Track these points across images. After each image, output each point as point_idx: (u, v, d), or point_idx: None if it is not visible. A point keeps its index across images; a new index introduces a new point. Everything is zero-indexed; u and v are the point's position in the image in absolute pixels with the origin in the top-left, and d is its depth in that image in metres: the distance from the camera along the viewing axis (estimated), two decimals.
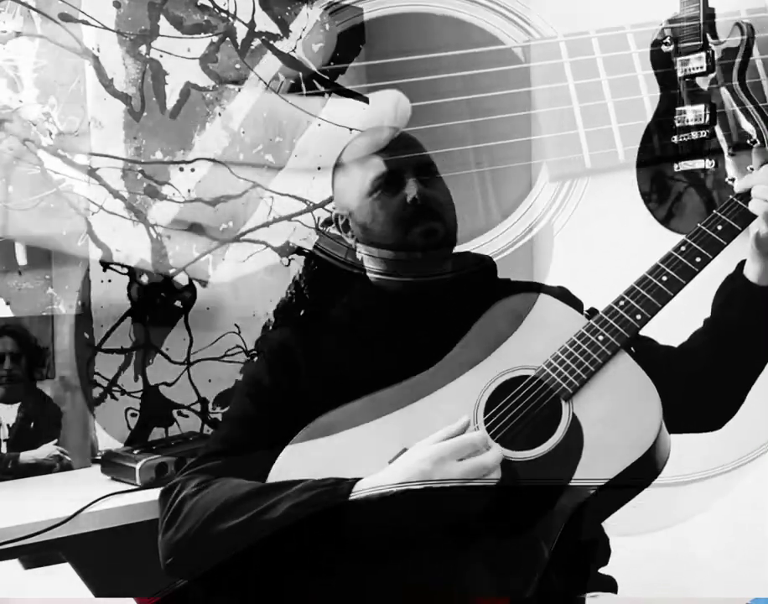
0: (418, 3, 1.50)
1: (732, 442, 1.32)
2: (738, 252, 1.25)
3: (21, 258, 1.83)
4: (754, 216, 1.21)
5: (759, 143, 1.49)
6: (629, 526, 1.26)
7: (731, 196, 1.24)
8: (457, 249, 1.40)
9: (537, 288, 1.38)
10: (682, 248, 1.22)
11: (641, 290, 1.21)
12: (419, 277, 1.36)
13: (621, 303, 1.22)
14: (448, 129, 1.46)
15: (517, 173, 1.73)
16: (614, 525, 1.25)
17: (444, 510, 1.09)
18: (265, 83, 2.07)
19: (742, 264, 1.27)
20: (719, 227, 1.22)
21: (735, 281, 1.27)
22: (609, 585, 1.30)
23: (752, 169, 1.33)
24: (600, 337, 1.20)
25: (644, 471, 1.11)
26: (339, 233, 1.43)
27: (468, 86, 1.47)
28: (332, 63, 2.13)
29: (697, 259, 1.21)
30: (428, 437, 1.13)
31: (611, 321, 1.20)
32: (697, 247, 1.21)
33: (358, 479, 1.12)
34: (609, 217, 1.70)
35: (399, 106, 1.68)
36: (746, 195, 1.22)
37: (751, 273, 1.25)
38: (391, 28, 1.60)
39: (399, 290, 1.37)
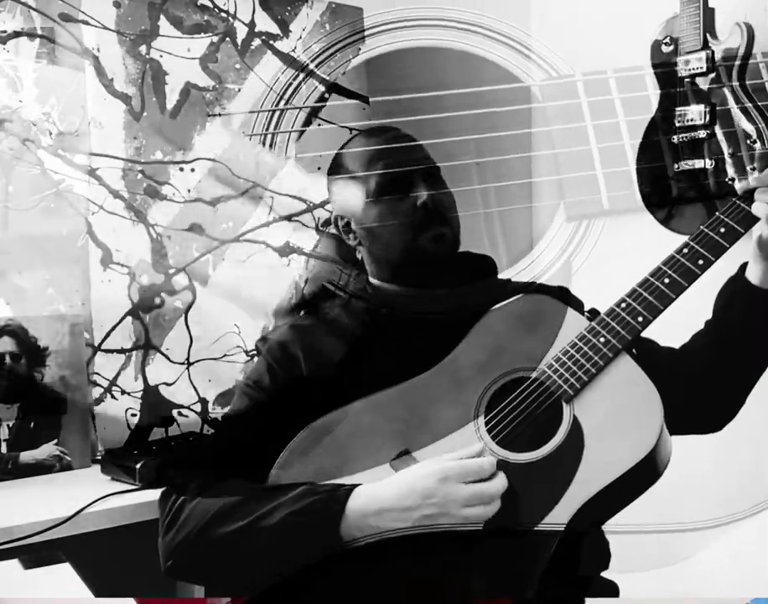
0: (426, 38, 1.49)
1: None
2: (740, 253, 1.25)
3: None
4: (757, 219, 1.20)
5: (759, 142, 1.49)
6: (629, 565, 1.27)
7: (734, 199, 1.24)
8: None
9: (538, 288, 1.38)
10: (685, 250, 1.22)
11: (643, 292, 1.21)
12: (422, 286, 1.35)
13: (623, 305, 1.21)
14: (455, 168, 1.45)
15: (523, 216, 1.72)
16: (614, 564, 1.26)
17: (442, 526, 1.09)
18: (265, 83, 2.07)
19: (744, 266, 1.27)
20: (722, 230, 1.21)
21: (737, 283, 1.27)
22: (610, 588, 1.30)
23: (753, 169, 1.33)
24: (602, 339, 1.19)
25: (645, 473, 1.11)
26: (338, 234, 1.42)
27: (478, 124, 1.46)
28: (331, 63, 2.13)
29: (700, 261, 1.20)
30: (438, 455, 1.13)
31: (613, 323, 1.20)
32: (700, 249, 1.21)
33: (356, 486, 1.12)
34: (627, 256, 1.69)
35: None
36: (749, 198, 1.22)
37: (753, 275, 1.25)
38: (394, 63, 1.59)
39: (398, 291, 1.37)
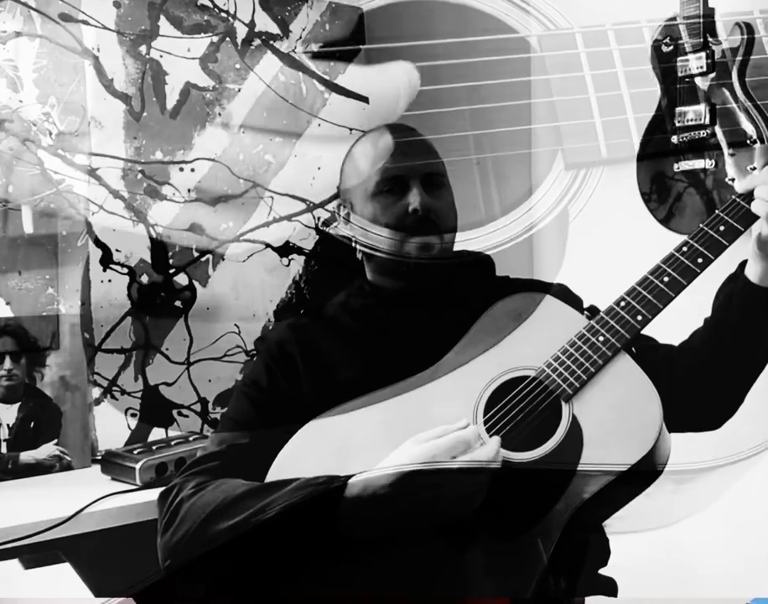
0: None
1: (737, 436, 1.32)
2: (740, 251, 1.25)
3: (27, 226, 1.82)
4: (756, 217, 1.21)
5: (759, 142, 1.49)
6: (628, 524, 1.26)
7: (733, 197, 1.24)
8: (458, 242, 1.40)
9: (537, 286, 1.38)
10: (684, 249, 1.22)
11: (642, 291, 1.21)
12: (413, 285, 1.36)
13: (622, 303, 1.21)
14: (448, 117, 1.46)
15: (520, 165, 1.72)
16: (612, 523, 1.25)
17: (439, 511, 1.09)
18: (265, 83, 2.07)
19: (743, 264, 1.27)
20: (722, 228, 1.21)
21: (736, 281, 1.27)
22: (609, 586, 1.30)
23: (753, 169, 1.33)
24: (601, 338, 1.20)
25: (645, 472, 1.11)
26: (341, 226, 1.43)
27: (470, 74, 1.46)
28: (332, 64, 2.13)
29: (699, 260, 1.21)
30: (422, 434, 1.13)
31: (612, 322, 1.20)
32: (699, 247, 1.21)
33: (350, 476, 1.12)
34: (625, 208, 1.69)
35: (411, 76, 1.67)
36: (749, 196, 1.22)
37: (752, 273, 1.25)
38: (392, 14, 1.59)
39: (397, 289, 1.37)
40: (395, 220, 1.32)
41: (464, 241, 1.43)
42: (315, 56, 2.00)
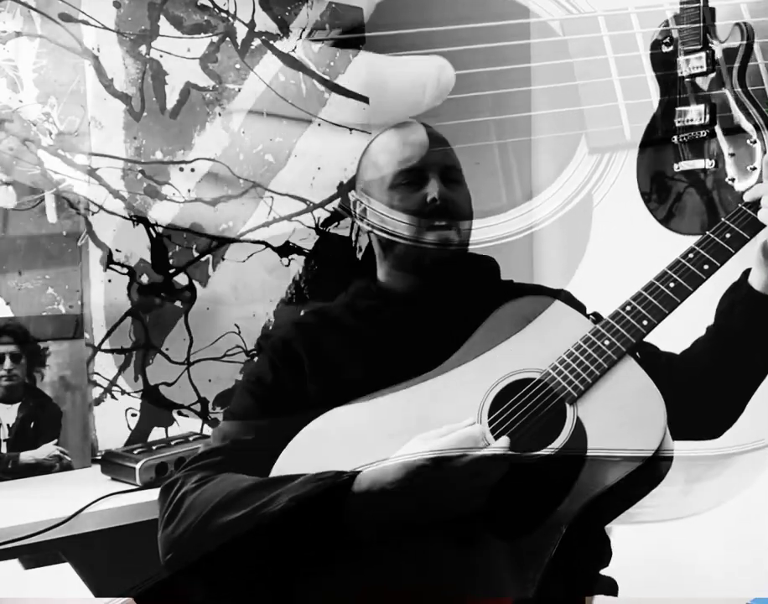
0: None
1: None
2: (743, 259, 1.26)
3: (51, 216, 1.81)
4: (762, 225, 1.21)
5: (759, 142, 1.49)
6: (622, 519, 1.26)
7: (740, 205, 1.25)
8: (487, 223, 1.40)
9: (542, 291, 1.38)
10: (690, 255, 1.23)
11: (648, 296, 1.22)
12: (425, 283, 1.36)
13: (628, 308, 1.22)
14: (469, 102, 1.45)
15: (541, 150, 1.71)
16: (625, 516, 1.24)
17: (445, 506, 1.09)
18: (265, 83, 2.07)
19: (747, 272, 1.27)
20: (728, 235, 1.22)
21: (739, 289, 1.27)
22: (610, 587, 1.30)
23: (752, 169, 1.33)
24: (606, 342, 1.20)
25: (647, 476, 1.12)
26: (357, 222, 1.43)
27: (490, 59, 1.46)
28: (331, 63, 2.13)
29: (705, 267, 1.21)
30: (428, 432, 1.13)
31: (618, 326, 1.21)
32: (705, 254, 1.22)
33: (358, 472, 1.12)
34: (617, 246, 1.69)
35: (444, 73, 1.64)
36: (755, 204, 1.23)
37: (756, 281, 1.25)
38: (405, 2, 1.58)
39: (404, 290, 1.37)
40: (414, 208, 1.33)
41: (486, 227, 1.43)
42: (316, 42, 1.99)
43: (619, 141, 1.51)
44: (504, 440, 1.13)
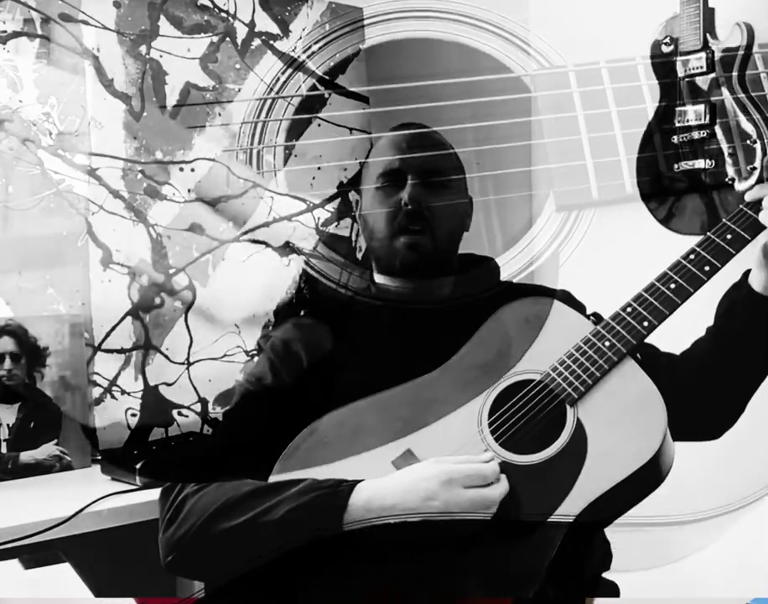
0: (423, 29, 1.49)
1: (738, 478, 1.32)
2: (743, 261, 1.25)
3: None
4: (763, 227, 1.21)
5: (758, 142, 1.49)
6: (627, 563, 1.27)
7: (741, 206, 1.24)
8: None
9: (541, 291, 1.38)
10: (691, 256, 1.23)
11: (649, 297, 1.21)
12: (419, 283, 1.36)
13: (629, 309, 1.22)
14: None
15: (520, 203, 1.71)
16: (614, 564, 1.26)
17: (445, 534, 1.10)
18: (265, 83, 2.07)
19: (747, 273, 1.27)
20: (729, 236, 1.22)
21: (740, 290, 1.27)
22: (611, 589, 1.30)
23: (753, 169, 1.33)
24: (607, 343, 1.20)
25: (648, 477, 1.11)
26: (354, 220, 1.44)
27: (475, 114, 1.45)
28: (331, 63, 2.13)
29: (706, 268, 1.21)
30: (446, 456, 1.13)
31: (618, 327, 1.21)
32: (706, 255, 1.22)
33: (358, 481, 1.12)
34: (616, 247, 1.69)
35: None
36: (756, 205, 1.22)
37: (756, 282, 1.25)
38: (393, 53, 1.58)
39: (401, 291, 1.37)
40: (388, 214, 1.33)
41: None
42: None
43: (586, 199, 1.51)
44: (503, 485, 1.12)
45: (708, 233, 1.23)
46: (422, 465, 1.14)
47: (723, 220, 1.24)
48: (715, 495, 1.40)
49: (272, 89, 1.55)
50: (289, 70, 1.73)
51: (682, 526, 1.32)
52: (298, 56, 1.80)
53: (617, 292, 1.25)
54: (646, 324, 1.20)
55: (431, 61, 1.67)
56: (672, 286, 1.21)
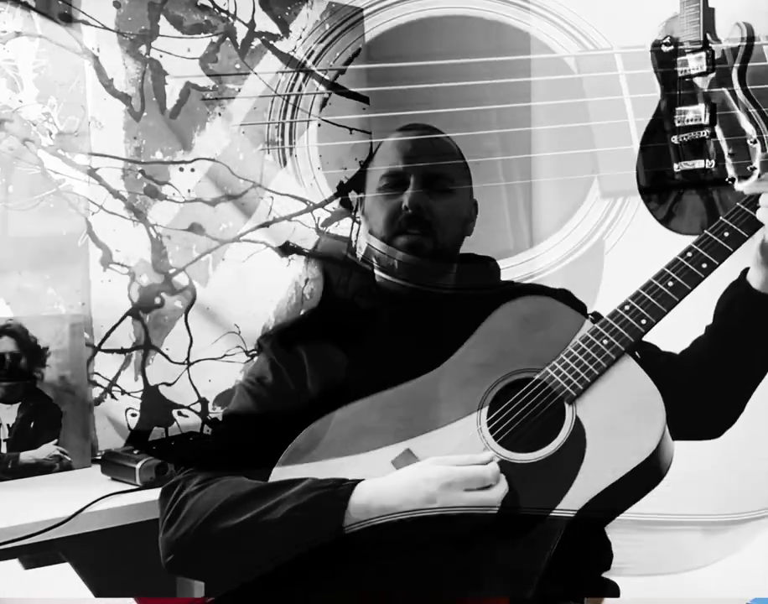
0: (458, 6, 1.47)
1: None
2: (741, 258, 1.25)
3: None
4: (761, 224, 1.21)
5: (759, 142, 1.49)
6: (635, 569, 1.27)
7: (738, 203, 1.24)
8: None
9: (541, 290, 1.38)
10: (689, 254, 1.23)
11: (647, 295, 1.21)
12: (419, 283, 1.36)
13: (627, 307, 1.22)
14: (476, 139, 1.43)
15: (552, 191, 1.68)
16: (619, 568, 1.26)
17: (442, 530, 1.10)
18: (265, 83, 2.07)
19: (746, 271, 1.27)
20: (726, 234, 1.22)
21: (738, 288, 1.27)
22: (611, 589, 1.30)
23: (752, 169, 1.33)
24: (605, 341, 1.20)
25: (647, 475, 1.11)
26: (356, 219, 1.44)
27: (497, 95, 1.44)
28: (332, 63, 2.13)
29: (704, 265, 1.21)
30: (447, 456, 1.13)
31: (616, 326, 1.21)
32: (704, 253, 1.21)
33: (359, 481, 1.12)
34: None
35: None
36: (753, 203, 1.22)
37: (755, 280, 1.25)
38: (415, 33, 1.56)
39: (402, 291, 1.37)
40: (388, 212, 1.33)
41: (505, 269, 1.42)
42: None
43: (632, 186, 1.49)
44: (503, 486, 1.12)
45: (706, 231, 1.23)
46: (422, 464, 1.14)
47: (721, 217, 1.24)
48: (719, 497, 1.39)
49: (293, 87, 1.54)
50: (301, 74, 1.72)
51: (690, 531, 1.31)
52: (303, 60, 1.79)
53: (617, 291, 1.25)
54: (644, 322, 1.20)
55: (455, 40, 1.63)
56: (670, 284, 1.21)
